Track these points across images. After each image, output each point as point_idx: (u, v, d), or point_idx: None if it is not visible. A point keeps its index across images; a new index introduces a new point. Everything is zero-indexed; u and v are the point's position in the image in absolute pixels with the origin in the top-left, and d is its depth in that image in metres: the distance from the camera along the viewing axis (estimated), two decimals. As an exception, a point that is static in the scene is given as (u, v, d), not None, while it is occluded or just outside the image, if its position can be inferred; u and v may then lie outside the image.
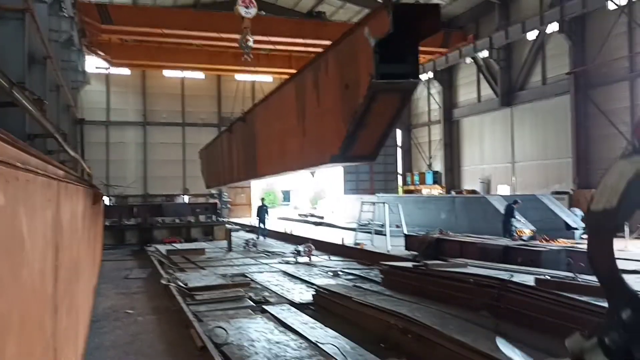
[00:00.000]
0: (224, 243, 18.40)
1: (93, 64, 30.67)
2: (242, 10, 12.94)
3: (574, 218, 18.66)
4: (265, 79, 33.46)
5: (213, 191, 33.34)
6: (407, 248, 15.27)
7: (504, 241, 12.96)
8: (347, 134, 4.69)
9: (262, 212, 21.76)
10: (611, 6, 22.15)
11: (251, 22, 13.55)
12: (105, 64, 30.72)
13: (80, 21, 22.75)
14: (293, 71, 31.20)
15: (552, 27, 24.59)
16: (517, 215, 16.86)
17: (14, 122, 9.13)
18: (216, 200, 28.01)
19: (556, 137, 25.11)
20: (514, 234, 15.85)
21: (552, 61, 25.64)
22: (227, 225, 21.07)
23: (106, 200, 25.33)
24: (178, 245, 18.02)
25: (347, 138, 4.72)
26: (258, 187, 46.28)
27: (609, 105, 22.28)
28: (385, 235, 17.36)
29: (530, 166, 27.12)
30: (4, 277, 1.72)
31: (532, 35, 26.12)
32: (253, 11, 13.40)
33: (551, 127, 25.56)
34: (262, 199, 23.38)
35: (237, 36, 25.88)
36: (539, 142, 26.47)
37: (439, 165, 34.01)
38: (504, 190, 28.25)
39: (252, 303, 9.11)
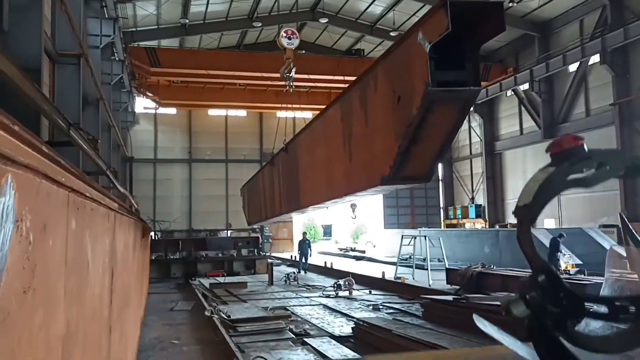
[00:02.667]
0: (266, 277, 18.63)
1: (142, 104, 32.10)
2: (284, 42, 13.19)
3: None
4: (306, 115, 34.12)
5: (255, 226, 33.90)
6: (448, 282, 15.13)
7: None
8: (399, 151, 4.22)
9: (304, 246, 21.97)
10: (655, 36, 21.85)
11: (293, 54, 13.78)
12: (153, 104, 32.07)
13: (130, 64, 23.98)
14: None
15: (594, 58, 24.36)
16: (563, 249, 16.48)
17: (70, 160, 9.74)
18: (258, 235, 28.42)
19: (602, 169, 24.54)
20: (560, 268, 15.48)
21: (595, 92, 25.29)
22: (268, 259, 21.33)
23: (152, 234, 26.09)
24: (221, 279, 18.35)
25: (399, 155, 4.24)
26: (299, 222, 46.58)
27: (657, 136, 21.74)
28: (426, 269, 17.24)
29: (576, 199, 26.48)
30: (73, 294, 1.97)
31: (573, 67, 25.91)
32: (296, 42, 13.46)
33: (596, 159, 25.01)
34: (304, 233, 23.62)
35: (278, 75, 27.04)
36: (585, 175, 25.88)
37: (481, 199, 33.58)
38: (549, 223, 27.61)
39: (292, 335, 9.23)
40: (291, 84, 13.45)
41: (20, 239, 1.13)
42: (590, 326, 1.43)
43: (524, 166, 30.20)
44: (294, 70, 13.00)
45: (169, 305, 12.81)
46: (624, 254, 8.80)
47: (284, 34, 13.20)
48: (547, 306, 1.37)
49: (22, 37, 7.55)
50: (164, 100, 31.01)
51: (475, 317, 1.70)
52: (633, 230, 7.95)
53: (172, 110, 35.06)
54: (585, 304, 1.38)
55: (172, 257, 20.74)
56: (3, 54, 2.09)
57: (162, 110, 34.07)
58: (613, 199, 23.32)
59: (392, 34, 30.72)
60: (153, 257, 19.91)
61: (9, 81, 2.23)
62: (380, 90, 4.75)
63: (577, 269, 16.34)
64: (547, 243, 17.91)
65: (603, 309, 1.37)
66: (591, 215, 24.96)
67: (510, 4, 25.22)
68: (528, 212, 1.46)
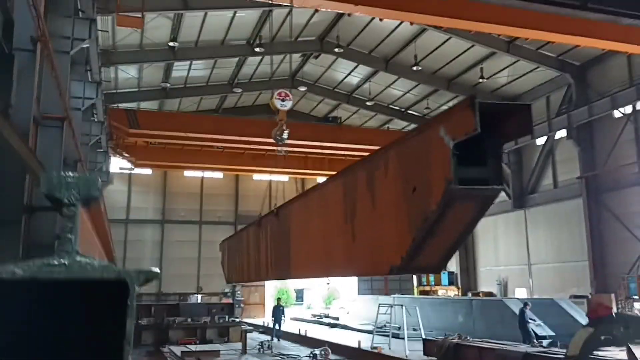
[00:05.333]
0: (239, 345, 18.20)
1: (117, 164, 31.98)
2: (278, 103, 13.10)
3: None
4: (282, 178, 34.44)
5: (227, 290, 33.23)
6: (425, 353, 15.03)
7: (524, 347, 12.79)
8: (413, 244, 4.13)
9: (278, 312, 21.63)
10: (617, 114, 23.09)
11: (286, 116, 13.53)
12: (129, 165, 31.99)
13: (109, 125, 24.11)
14: (309, 171, 32.01)
15: (561, 133, 25.50)
16: (531, 318, 16.63)
17: (46, 225, 9.65)
18: (230, 300, 27.90)
19: (571, 240, 25.18)
20: (534, 340, 15.58)
21: (562, 165, 26.31)
22: (242, 326, 20.91)
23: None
24: (193, 347, 17.86)
25: (413, 248, 4.16)
26: (271, 286, 45.84)
27: (622, 209, 22.54)
28: (402, 338, 17.12)
29: (546, 269, 26.94)
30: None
31: (541, 140, 27.02)
32: (289, 104, 13.26)
33: (566, 230, 25.70)
34: (279, 299, 23.32)
35: (255, 139, 27.48)
36: (554, 245, 26.50)
37: (454, 266, 33.84)
38: (521, 292, 27.87)
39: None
40: (284, 144, 13.17)
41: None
42: None
43: (495, 234, 30.73)
44: (286, 132, 12.87)
45: (140, 376, 12.38)
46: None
47: (277, 96, 13.15)
48: None
49: (16, 104, 7.67)
50: (141, 160, 30.98)
51: None
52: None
53: (148, 171, 34.98)
54: None
55: (143, 323, 20.16)
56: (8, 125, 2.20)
57: (137, 170, 33.98)
58: (582, 270, 23.81)
59: (368, 103, 31.76)
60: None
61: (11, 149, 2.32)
62: (391, 176, 4.70)
63: (550, 340, 16.46)
64: (516, 311, 18.07)
65: None
66: (561, 285, 25.35)
67: (481, 80, 26.47)
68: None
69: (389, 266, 4.51)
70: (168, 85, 28.58)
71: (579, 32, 13.75)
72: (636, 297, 20.84)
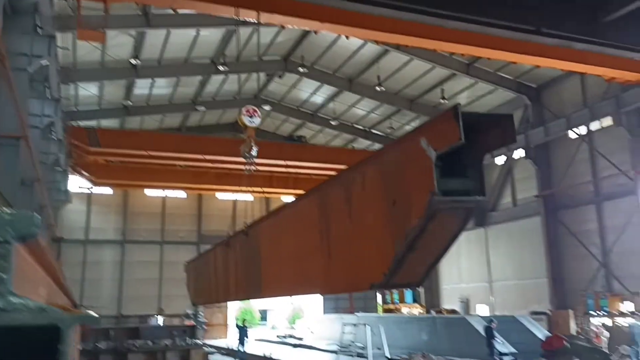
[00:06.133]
0: (202, 368, 17.81)
1: (76, 183, 31.16)
2: (246, 120, 12.76)
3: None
4: (247, 197, 34.18)
5: (189, 311, 32.57)
6: (390, 372, 15.01)
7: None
8: (394, 259, 4.01)
9: (241, 333, 21.30)
10: (572, 135, 23.90)
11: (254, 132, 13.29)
12: (88, 184, 31.23)
13: (68, 143, 23.55)
14: (274, 190, 31.86)
15: (519, 152, 26.21)
16: (497, 336, 16.85)
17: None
18: (193, 322, 27.31)
19: (531, 257, 25.74)
20: (496, 357, 15.77)
21: (521, 184, 26.99)
22: (204, 348, 20.49)
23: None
24: (153, 371, 17.39)
25: (394, 263, 4.04)
26: (235, 306, 45.14)
27: (579, 227, 23.23)
28: (367, 358, 17.07)
29: (507, 286, 27.43)
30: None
31: (500, 160, 27.69)
32: (257, 121, 12.75)
33: (526, 247, 26.27)
34: (244, 320, 22.98)
35: (219, 157, 27.27)
36: (515, 262, 27.04)
37: (417, 284, 34.04)
38: (483, 310, 28.26)
39: None
40: (252, 162, 12.82)
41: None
42: None
43: (457, 252, 31.11)
44: (255, 149, 12.55)
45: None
46: None
47: (245, 112, 12.83)
48: None
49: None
50: (100, 179, 30.30)
51: None
52: None
53: (108, 190, 34.20)
54: None
55: (101, 347, 19.53)
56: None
57: (97, 189, 33.20)
58: (542, 286, 24.33)
59: (332, 122, 32.01)
60: (80, 348, 18.68)
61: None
62: (369, 190, 4.53)
63: (512, 357, 16.69)
64: (479, 329, 18.29)
65: None
66: (522, 302, 25.82)
67: (442, 100, 27.05)
68: None
69: (369, 283, 4.41)
70: (130, 103, 28.19)
71: (537, 54, 14.31)
72: (593, 312, 21.38)
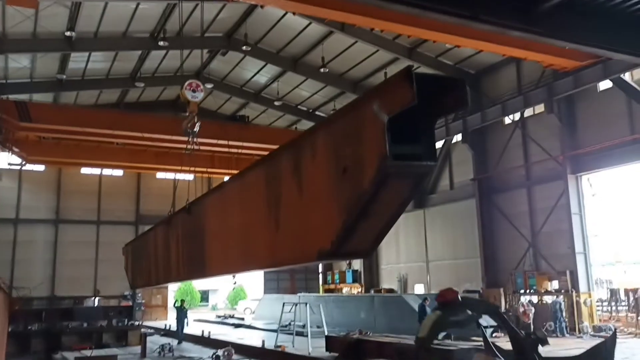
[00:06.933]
0: (138, 349, 17.59)
1: (6, 160, 29.66)
2: (188, 95, 12.37)
3: (486, 317, 19.52)
4: (187, 177, 33.61)
5: (126, 292, 31.90)
6: (328, 349, 15.32)
7: (421, 341, 13.39)
8: (343, 226, 3.97)
9: (180, 314, 21.11)
10: (507, 121, 24.82)
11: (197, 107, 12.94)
12: (19, 160, 29.79)
13: (-4, 118, 22.38)
14: (216, 170, 31.47)
15: (457, 137, 26.98)
16: (430, 313, 17.48)
17: None
18: (130, 303, 26.82)
19: (465, 238, 26.70)
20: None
21: (458, 168, 27.84)
22: (141, 330, 20.20)
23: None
24: (88, 352, 17.00)
25: (344, 231, 3.99)
26: (175, 288, 44.62)
27: (511, 209, 24.25)
28: (306, 336, 17.33)
29: (443, 265, 28.39)
30: None
31: (439, 143, 28.42)
32: (200, 95, 12.38)
33: (460, 229, 27.21)
34: (182, 301, 22.74)
35: (159, 136, 26.60)
36: (450, 243, 27.99)
37: (358, 265, 34.73)
38: (419, 288, 29.18)
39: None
40: (194, 139, 12.47)
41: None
42: None
43: (396, 233, 31.84)
44: (198, 124, 12.20)
45: (27, 385, 11.61)
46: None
47: (188, 87, 12.47)
48: None
49: None
50: (32, 156, 28.94)
51: None
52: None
53: (40, 167, 32.79)
54: None
55: (32, 328, 18.89)
56: None
57: (29, 166, 31.75)
58: (475, 266, 25.33)
59: (276, 103, 31.83)
60: (9, 330, 17.99)
61: None
62: (319, 158, 4.50)
63: (445, 332, 17.36)
64: (415, 306, 18.93)
65: None
66: (456, 281, 26.76)
67: (385, 84, 27.36)
68: (424, 342, 3.34)
69: (316, 252, 4.34)
70: (64, 77, 26.98)
71: (478, 38, 14.77)
72: (522, 291, 22.49)
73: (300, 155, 4.78)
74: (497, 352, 8.01)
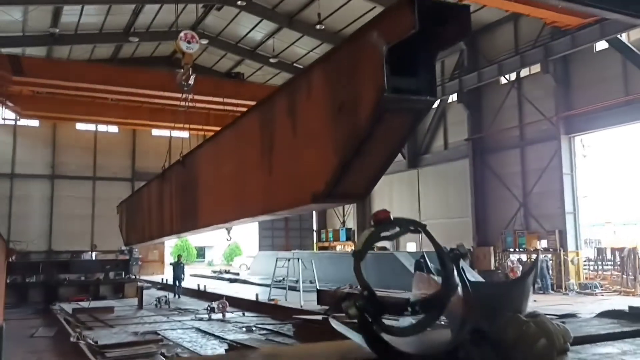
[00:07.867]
0: (135, 301, 18.02)
1: (0, 114, 29.54)
2: (183, 46, 12.08)
3: (474, 274, 19.98)
4: (183, 134, 33.56)
5: (123, 248, 32.34)
6: (319, 303, 15.74)
7: (408, 294, 13.77)
8: (339, 165, 3.78)
9: (177, 269, 21.50)
10: (503, 81, 24.75)
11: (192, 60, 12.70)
12: (13, 115, 29.67)
13: (-11, 71, 22.17)
14: (211, 128, 31.41)
15: (453, 97, 26.93)
16: (431, 267, 17.88)
17: None
18: (127, 257, 27.21)
19: (458, 197, 27.00)
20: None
21: (453, 128, 27.89)
22: (138, 283, 20.62)
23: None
24: (85, 304, 17.43)
25: (339, 170, 3.79)
26: (171, 243, 45.17)
27: (503, 169, 24.46)
28: (298, 291, 17.77)
29: (435, 224, 28.54)
30: None
31: (434, 103, 28.34)
32: (195, 47, 11.99)
33: (453, 189, 27.49)
34: (179, 256, 23.12)
35: (153, 92, 26.44)
36: (442, 202, 28.32)
37: (352, 223, 35.17)
38: (411, 247, 29.64)
39: (164, 359, 9.17)
40: (190, 91, 12.26)
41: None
42: (400, 322, 2.67)
43: (390, 192, 32.16)
44: (193, 77, 11.98)
45: (28, 332, 12.00)
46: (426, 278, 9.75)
47: (183, 37, 12.23)
48: (368, 309, 2.55)
49: None
50: (27, 111, 28.79)
51: (330, 319, 2.65)
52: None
53: (35, 122, 32.67)
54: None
55: (30, 280, 19.27)
56: None
57: (23, 121, 31.65)
58: (466, 225, 25.70)
59: (271, 60, 31.53)
60: (8, 281, 18.35)
61: None
62: (315, 97, 4.26)
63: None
64: (406, 264, 19.32)
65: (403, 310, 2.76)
66: (447, 240, 26.80)
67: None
68: (359, 255, 2.71)
69: (311, 194, 4.19)
70: (57, 30, 26.59)
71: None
72: (512, 249, 22.96)
73: (295, 95, 4.59)
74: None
